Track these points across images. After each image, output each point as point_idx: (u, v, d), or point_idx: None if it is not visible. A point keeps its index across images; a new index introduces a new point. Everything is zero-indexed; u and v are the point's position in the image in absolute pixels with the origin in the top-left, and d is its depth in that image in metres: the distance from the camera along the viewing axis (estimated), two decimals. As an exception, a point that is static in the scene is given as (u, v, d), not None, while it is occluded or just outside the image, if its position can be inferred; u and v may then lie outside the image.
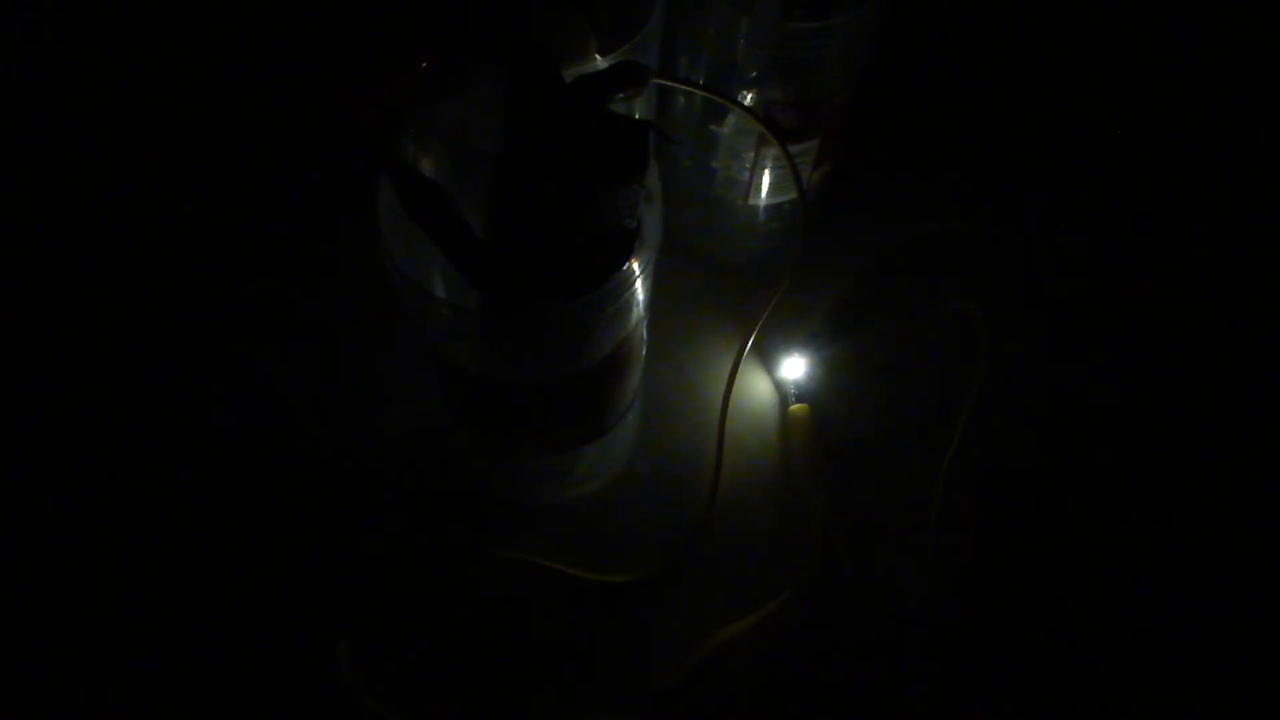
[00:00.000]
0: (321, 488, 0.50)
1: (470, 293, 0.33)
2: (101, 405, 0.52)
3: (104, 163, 0.59)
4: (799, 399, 0.53)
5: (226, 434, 0.51)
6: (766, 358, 0.55)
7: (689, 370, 0.55)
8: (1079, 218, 0.61)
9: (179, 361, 0.53)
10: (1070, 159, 0.63)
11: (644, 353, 0.44)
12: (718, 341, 0.55)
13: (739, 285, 0.57)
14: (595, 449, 0.47)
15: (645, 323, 0.41)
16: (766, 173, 0.51)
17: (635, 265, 0.34)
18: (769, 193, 0.53)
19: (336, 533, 0.49)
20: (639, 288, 0.36)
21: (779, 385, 0.55)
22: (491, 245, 0.33)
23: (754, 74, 0.46)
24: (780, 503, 0.51)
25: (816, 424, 0.52)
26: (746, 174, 0.52)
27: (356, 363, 0.54)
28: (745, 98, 0.47)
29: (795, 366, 0.54)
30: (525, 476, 0.51)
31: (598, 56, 0.40)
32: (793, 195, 0.52)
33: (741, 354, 0.52)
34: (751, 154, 0.50)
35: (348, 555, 0.48)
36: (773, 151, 0.50)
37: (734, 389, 0.52)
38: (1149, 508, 0.51)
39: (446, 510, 0.50)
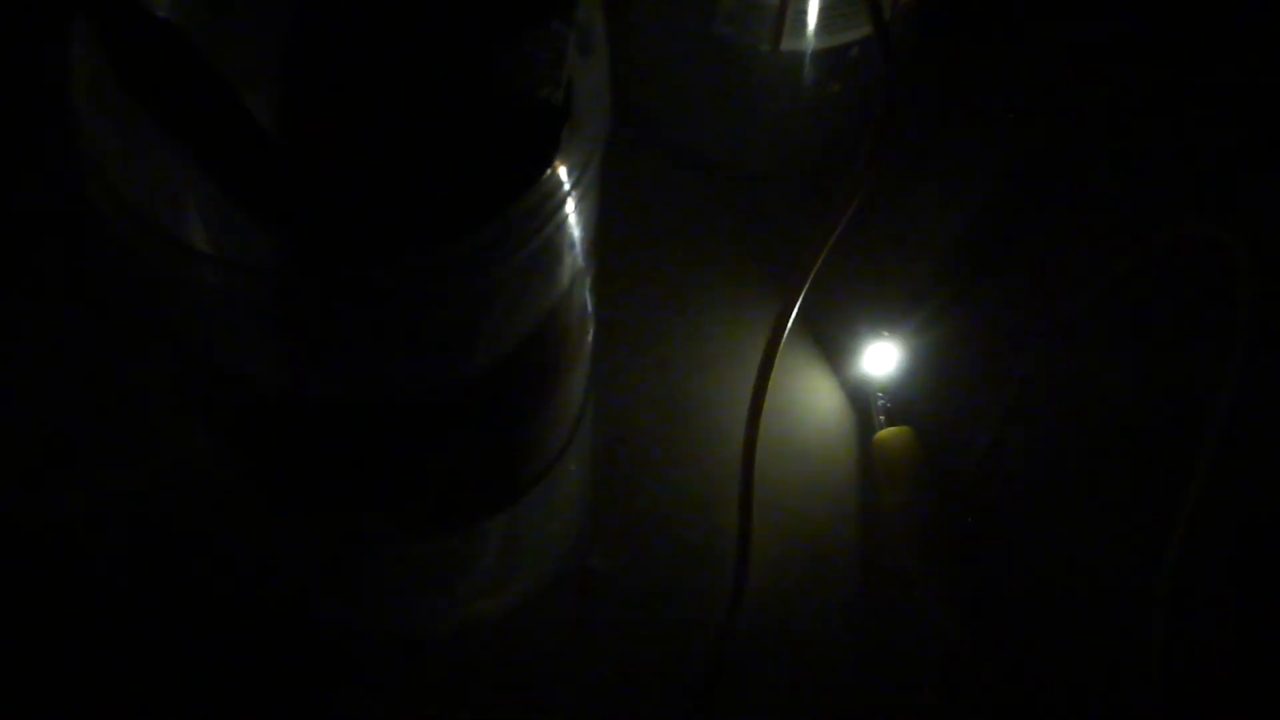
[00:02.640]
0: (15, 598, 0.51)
1: (257, 237, 0.34)
2: None
3: None
4: (891, 418, 0.54)
5: None
6: (829, 341, 0.57)
7: (681, 370, 0.56)
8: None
9: None
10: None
11: (590, 340, 0.45)
12: (733, 313, 0.57)
13: (769, 208, 0.59)
14: (507, 526, 0.48)
15: (588, 282, 0.42)
16: (813, -8, 0.53)
17: (562, 172, 0.35)
18: (819, 29, 0.54)
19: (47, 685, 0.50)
20: (571, 215, 0.37)
21: (855, 392, 0.56)
22: (292, 143, 0.33)
23: None
24: (862, 608, 0.52)
25: (926, 461, 0.54)
26: (776, -4, 0.53)
27: (58, 380, 0.54)
28: None
29: (883, 357, 0.55)
30: (384, 582, 0.52)
31: None
32: (864, 32, 0.53)
33: (780, 336, 0.53)
34: (783, -42, 0.51)
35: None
36: (823, -48, 0.51)
37: (769, 402, 0.52)
38: None
39: (242, 646, 0.51)
